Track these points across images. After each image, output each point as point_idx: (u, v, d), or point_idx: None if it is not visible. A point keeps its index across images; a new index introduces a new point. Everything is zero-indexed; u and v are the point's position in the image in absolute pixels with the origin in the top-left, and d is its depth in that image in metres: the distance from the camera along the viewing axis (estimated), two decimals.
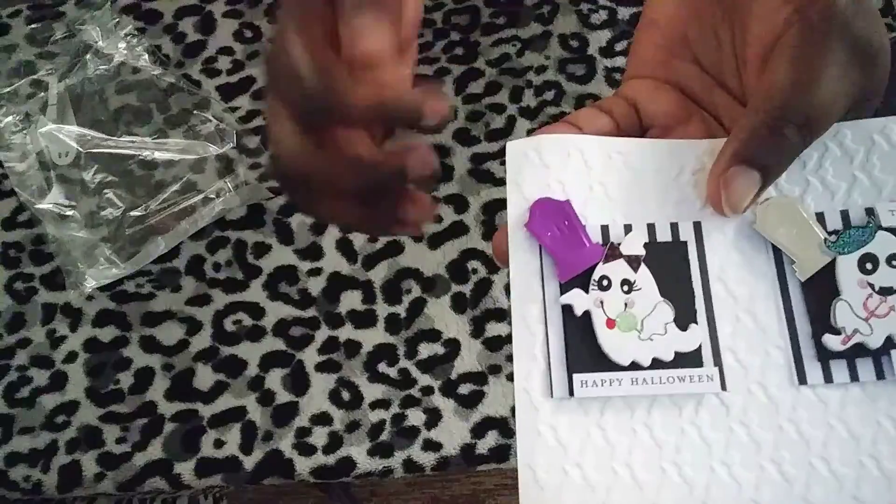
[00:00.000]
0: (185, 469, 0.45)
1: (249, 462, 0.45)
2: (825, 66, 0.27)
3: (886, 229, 0.29)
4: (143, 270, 0.50)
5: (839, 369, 0.28)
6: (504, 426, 0.45)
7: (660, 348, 0.28)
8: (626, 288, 0.29)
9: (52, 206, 0.51)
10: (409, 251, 0.50)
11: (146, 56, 0.57)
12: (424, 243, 0.50)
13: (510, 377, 0.46)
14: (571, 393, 0.28)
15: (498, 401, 0.46)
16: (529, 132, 0.50)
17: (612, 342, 0.28)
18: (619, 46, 0.55)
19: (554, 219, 0.30)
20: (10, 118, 0.55)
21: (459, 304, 0.48)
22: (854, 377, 0.28)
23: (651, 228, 0.30)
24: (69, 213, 0.51)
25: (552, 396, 0.28)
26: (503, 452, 0.45)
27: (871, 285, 0.28)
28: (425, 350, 0.47)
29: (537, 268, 0.29)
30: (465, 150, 0.53)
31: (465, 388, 0.46)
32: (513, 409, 0.44)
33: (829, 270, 0.28)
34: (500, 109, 0.54)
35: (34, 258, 0.52)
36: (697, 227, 0.30)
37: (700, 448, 0.28)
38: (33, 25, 0.59)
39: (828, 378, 0.28)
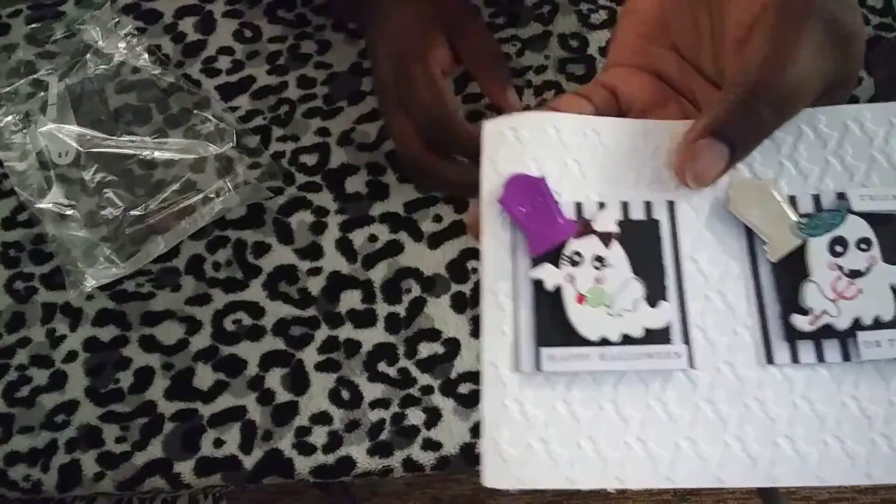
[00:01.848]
0: (184, 468, 0.45)
1: (249, 461, 0.45)
2: (800, 46, 0.27)
3: (857, 213, 0.29)
4: (142, 270, 0.50)
5: (806, 350, 0.28)
6: None
7: (629, 324, 0.28)
8: (597, 264, 0.29)
9: (51, 205, 0.51)
10: (408, 251, 0.50)
11: (146, 56, 0.57)
12: (424, 243, 0.50)
13: None
14: (539, 367, 0.28)
15: None
16: None
17: (581, 317, 0.28)
18: None
19: (527, 194, 0.29)
20: (10, 118, 0.55)
21: (459, 304, 0.48)
22: (820, 358, 0.28)
23: (625, 206, 0.30)
24: (69, 212, 0.51)
25: (519, 370, 0.28)
26: None
27: (841, 268, 0.28)
28: (425, 349, 0.47)
29: (509, 243, 0.29)
30: None
31: (464, 388, 0.46)
32: None
33: (799, 252, 0.29)
34: (500, 109, 0.54)
35: (34, 258, 0.51)
36: (671, 206, 0.30)
37: (665, 424, 0.27)
38: (33, 25, 0.59)
39: (794, 358, 0.28)
